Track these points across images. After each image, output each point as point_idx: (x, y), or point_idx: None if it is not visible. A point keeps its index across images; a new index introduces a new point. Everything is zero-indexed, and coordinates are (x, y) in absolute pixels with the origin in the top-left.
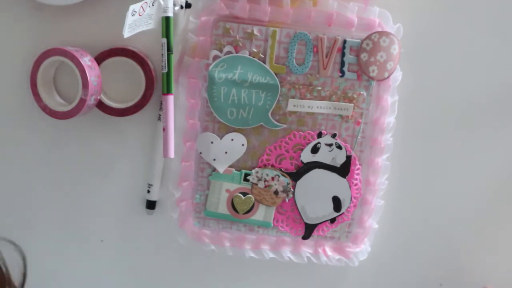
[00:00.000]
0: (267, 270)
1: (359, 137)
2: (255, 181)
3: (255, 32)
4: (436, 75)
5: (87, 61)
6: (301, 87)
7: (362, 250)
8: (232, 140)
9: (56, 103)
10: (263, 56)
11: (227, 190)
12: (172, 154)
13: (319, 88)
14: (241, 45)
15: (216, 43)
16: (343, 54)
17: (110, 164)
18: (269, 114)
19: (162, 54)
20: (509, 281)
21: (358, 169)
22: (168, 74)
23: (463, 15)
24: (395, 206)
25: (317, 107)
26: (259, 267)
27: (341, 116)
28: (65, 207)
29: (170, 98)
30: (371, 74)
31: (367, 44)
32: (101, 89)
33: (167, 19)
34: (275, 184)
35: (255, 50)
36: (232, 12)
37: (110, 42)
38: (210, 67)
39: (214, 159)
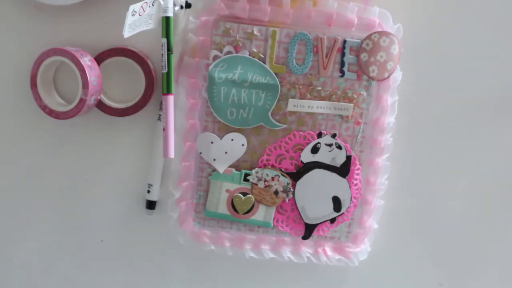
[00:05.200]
0: (267, 270)
1: (359, 137)
2: (255, 181)
3: (255, 32)
4: (436, 75)
5: (87, 61)
6: (301, 87)
7: (362, 250)
8: (232, 140)
9: (56, 103)
10: (263, 56)
11: (227, 190)
12: (172, 154)
13: (319, 88)
14: (241, 45)
15: (216, 43)
16: (343, 54)
17: (110, 164)
18: (269, 114)
19: (162, 54)
20: (509, 280)
21: (358, 169)
22: (168, 74)
23: (463, 15)
24: (395, 206)
25: (317, 107)
26: (259, 267)
27: (341, 116)
28: (65, 207)
29: (170, 98)
30: (371, 74)
31: (367, 44)
32: (101, 89)
33: (167, 19)
34: (275, 184)
35: (255, 50)
36: (232, 12)
37: (110, 42)
38: (210, 67)
39: (214, 159)
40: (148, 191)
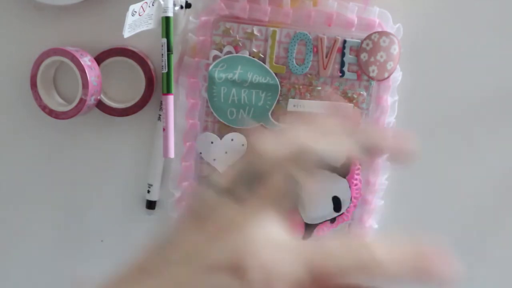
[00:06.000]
0: None
1: None
2: None
3: (255, 32)
4: (436, 75)
5: (87, 61)
6: (301, 87)
7: None
8: (232, 140)
9: (56, 103)
10: (263, 56)
11: None
12: (172, 154)
13: (319, 88)
14: (241, 45)
15: (216, 43)
16: (343, 54)
17: (110, 164)
18: (269, 114)
19: (162, 54)
20: (509, 281)
21: (358, 169)
22: (168, 74)
23: (463, 15)
24: (395, 206)
25: (317, 107)
26: None
27: None
28: (64, 207)
29: (170, 98)
30: (371, 74)
31: (367, 44)
32: (101, 89)
33: (167, 19)
34: None
35: (255, 50)
36: (232, 12)
37: (110, 42)
38: (210, 67)
39: (214, 159)
40: (148, 191)
